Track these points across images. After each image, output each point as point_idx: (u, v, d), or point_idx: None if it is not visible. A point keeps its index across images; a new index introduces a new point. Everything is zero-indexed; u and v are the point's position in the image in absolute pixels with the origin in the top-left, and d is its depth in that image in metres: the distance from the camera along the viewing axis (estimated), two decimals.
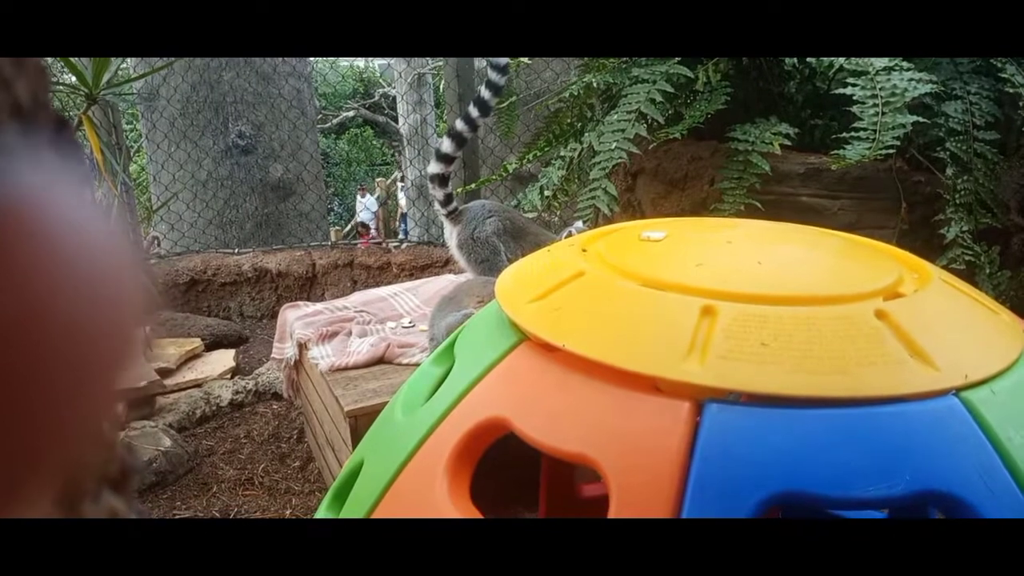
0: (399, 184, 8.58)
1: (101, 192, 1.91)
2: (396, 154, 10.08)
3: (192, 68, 3.57)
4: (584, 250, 0.94)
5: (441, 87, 5.75)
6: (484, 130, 3.25)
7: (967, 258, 1.39)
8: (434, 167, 1.86)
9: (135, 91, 3.56)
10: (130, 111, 3.77)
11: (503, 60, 1.85)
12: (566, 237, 1.64)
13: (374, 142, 10.62)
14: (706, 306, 0.71)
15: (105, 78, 1.85)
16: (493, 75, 1.84)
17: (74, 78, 1.86)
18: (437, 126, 6.84)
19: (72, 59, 1.80)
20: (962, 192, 1.45)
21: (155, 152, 3.70)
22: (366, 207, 8.41)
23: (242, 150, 3.72)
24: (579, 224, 1.75)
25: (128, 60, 3.54)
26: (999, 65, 1.47)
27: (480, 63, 1.92)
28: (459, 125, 1.87)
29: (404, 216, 7.94)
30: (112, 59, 1.96)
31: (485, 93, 1.86)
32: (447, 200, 1.89)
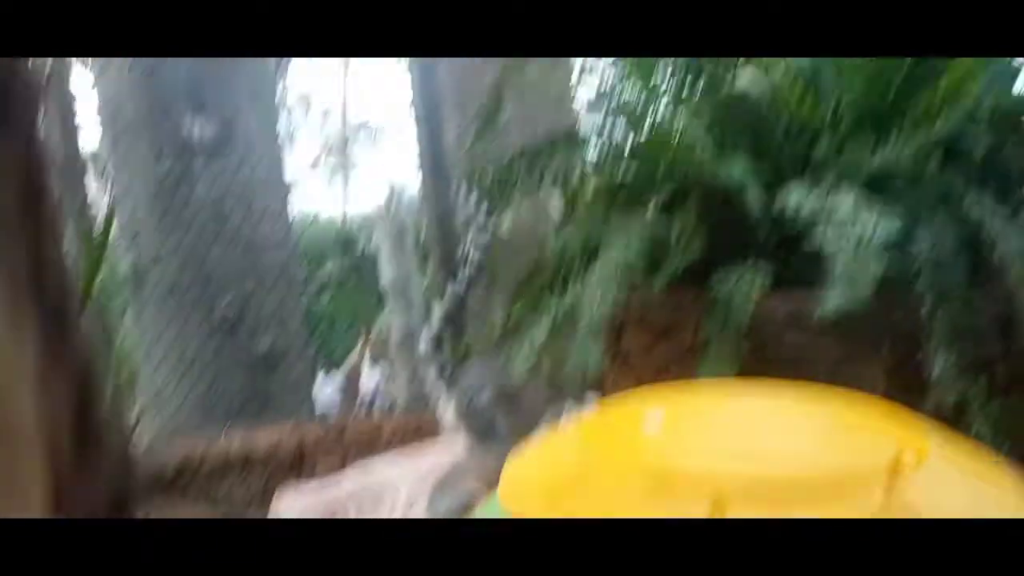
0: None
1: None
2: (380, 304, 10.20)
3: (178, 249, 3.64)
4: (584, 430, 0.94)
5: (422, 236, 5.88)
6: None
7: (956, 394, 1.40)
8: (425, 342, 1.88)
9: (125, 279, 3.61)
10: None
11: (486, 238, 1.92)
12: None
13: (356, 296, 10.76)
14: (714, 496, 0.70)
15: (96, 280, 1.88)
16: (477, 254, 1.90)
17: None
18: (418, 272, 6.95)
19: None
20: (941, 324, 1.47)
21: (143, 337, 3.71)
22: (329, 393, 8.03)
23: (228, 325, 3.74)
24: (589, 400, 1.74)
25: (119, 266, 3.61)
26: (960, 194, 1.53)
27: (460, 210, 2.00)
28: (448, 303, 1.90)
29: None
30: (103, 261, 2.01)
31: (471, 271, 1.91)
32: (442, 371, 1.90)
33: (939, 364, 1.42)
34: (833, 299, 1.37)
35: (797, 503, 0.68)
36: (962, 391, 1.38)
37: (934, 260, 1.49)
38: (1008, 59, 1.51)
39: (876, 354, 1.56)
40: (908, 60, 1.55)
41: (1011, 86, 1.51)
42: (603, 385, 2.31)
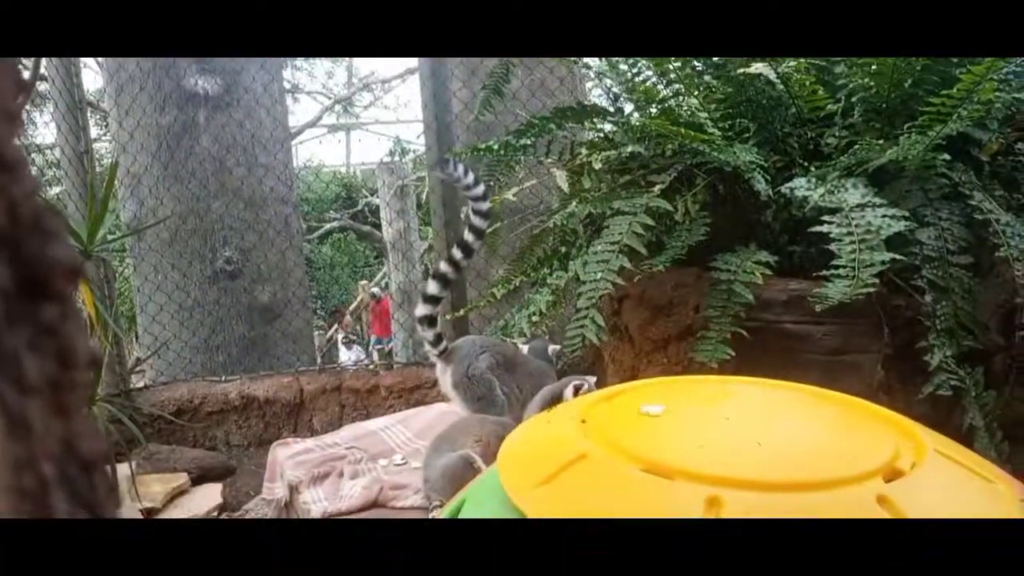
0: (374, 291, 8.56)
1: (93, 342, 1.91)
2: (380, 260, 10.19)
3: (181, 199, 3.63)
4: (583, 420, 0.95)
5: (424, 194, 5.86)
6: None
7: (952, 383, 1.42)
8: (421, 309, 1.89)
9: (127, 225, 3.61)
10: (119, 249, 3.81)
11: (485, 205, 1.91)
12: (574, 393, 1.66)
13: (357, 246, 10.74)
14: (711, 496, 0.72)
15: (100, 234, 1.89)
16: (476, 220, 1.90)
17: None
18: (420, 230, 6.95)
19: (68, 218, 1.84)
20: (942, 317, 1.49)
21: (143, 284, 3.72)
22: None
23: (229, 275, 3.75)
24: (589, 382, 1.75)
25: (122, 214, 3.60)
26: (967, 192, 1.54)
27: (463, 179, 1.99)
28: (443, 267, 1.91)
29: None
30: (107, 214, 2.01)
31: (469, 236, 1.91)
32: (437, 340, 1.91)
33: (937, 355, 1.44)
34: (836, 288, 1.38)
35: (792, 505, 0.70)
36: (959, 381, 1.40)
37: (939, 252, 1.50)
38: (1021, 61, 1.50)
39: (875, 342, 1.58)
40: (920, 59, 1.54)
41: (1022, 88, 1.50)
42: (601, 358, 2.34)
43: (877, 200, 1.44)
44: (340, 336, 8.50)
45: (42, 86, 3.98)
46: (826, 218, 1.45)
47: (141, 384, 3.30)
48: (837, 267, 1.40)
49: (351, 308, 8.77)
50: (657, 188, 1.82)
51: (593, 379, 1.74)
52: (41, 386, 0.28)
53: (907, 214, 1.43)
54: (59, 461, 0.28)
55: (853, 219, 1.41)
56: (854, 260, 1.37)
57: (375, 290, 8.31)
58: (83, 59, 4.09)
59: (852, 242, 1.39)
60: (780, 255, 1.68)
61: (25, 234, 0.28)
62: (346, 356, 7.96)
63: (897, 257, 1.39)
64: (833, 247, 1.42)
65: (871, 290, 1.34)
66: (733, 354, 1.57)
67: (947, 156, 1.49)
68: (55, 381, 0.29)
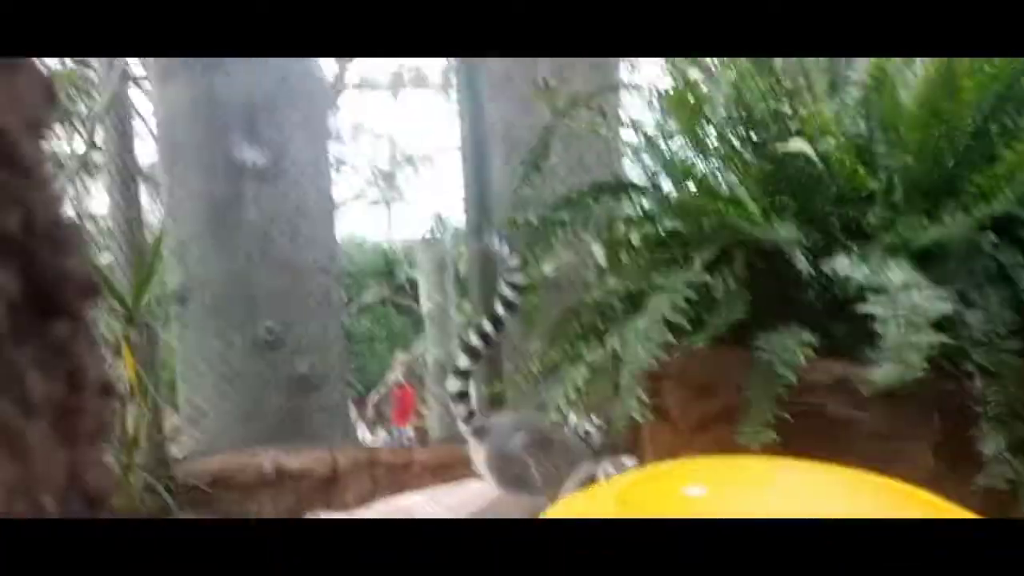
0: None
1: (131, 410, 1.93)
2: (419, 333, 10.23)
3: (227, 268, 3.71)
4: (622, 502, 0.92)
5: (463, 269, 5.91)
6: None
7: (1008, 476, 1.35)
8: (452, 384, 1.88)
9: (173, 292, 3.69)
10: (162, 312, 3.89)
11: (518, 277, 1.92)
12: (608, 474, 1.63)
13: (396, 319, 10.81)
14: None
15: (145, 299, 1.93)
16: (507, 291, 1.90)
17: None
18: (458, 304, 6.98)
19: (113, 282, 1.88)
20: (993, 404, 1.43)
21: (185, 351, 3.77)
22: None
23: (269, 346, 3.78)
24: (627, 464, 1.72)
25: (169, 281, 3.69)
26: (1015, 275, 1.50)
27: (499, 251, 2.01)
28: (474, 340, 1.90)
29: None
30: (152, 280, 2.06)
31: (500, 309, 1.91)
32: (469, 416, 1.89)
33: (991, 445, 1.38)
34: (883, 372, 1.34)
35: None
36: (1015, 475, 1.34)
37: (987, 336, 1.46)
38: None
39: (924, 428, 1.52)
40: (966, 137, 1.53)
41: None
42: (639, 439, 2.29)
43: (922, 280, 1.40)
44: (363, 425, 8.44)
45: (96, 155, 4.14)
46: (870, 298, 1.42)
47: (178, 454, 3.32)
48: (883, 349, 1.36)
49: (375, 400, 8.70)
50: (696, 264, 1.81)
51: (633, 461, 1.71)
52: (45, 408, 0.26)
53: (954, 295, 1.39)
54: (61, 493, 0.26)
55: (898, 300, 1.38)
56: (900, 342, 1.33)
57: (399, 376, 8.27)
58: (137, 130, 4.26)
59: (898, 324, 1.35)
60: (823, 335, 1.64)
61: (39, 244, 0.27)
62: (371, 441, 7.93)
63: (945, 340, 1.34)
64: (878, 328, 1.38)
65: (919, 374, 1.29)
66: (776, 437, 1.52)
67: (993, 236, 1.46)
68: (62, 404, 0.27)
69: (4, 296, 0.26)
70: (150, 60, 3.91)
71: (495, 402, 2.70)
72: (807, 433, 1.55)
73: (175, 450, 3.40)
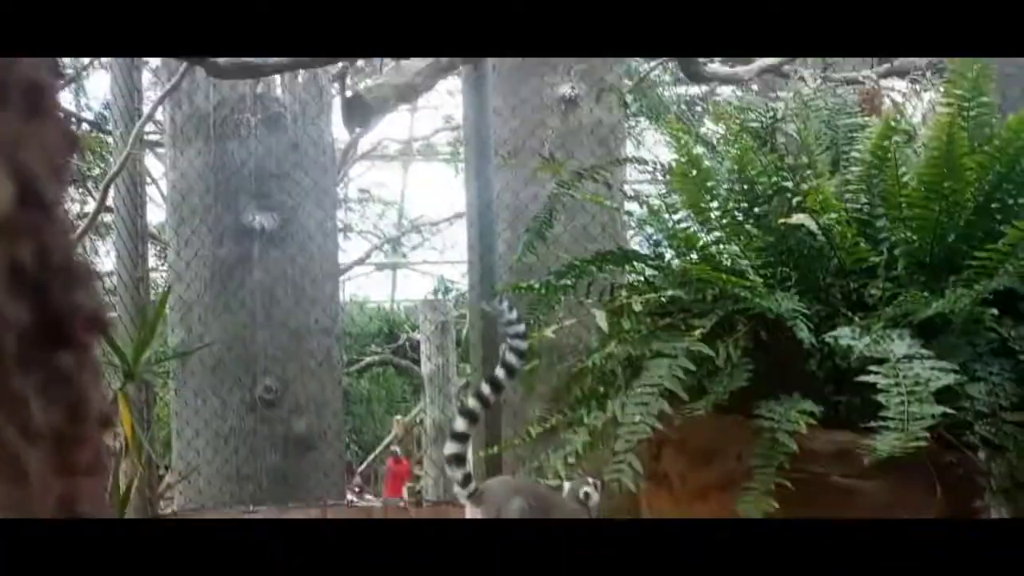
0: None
1: (125, 466, 1.91)
2: (417, 395, 10.17)
3: (229, 328, 3.72)
4: None
5: (464, 332, 5.92)
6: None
7: None
8: (450, 447, 1.87)
9: (173, 350, 3.69)
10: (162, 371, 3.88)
11: (523, 344, 1.93)
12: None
13: (395, 380, 10.75)
14: None
15: (145, 356, 1.94)
16: (511, 357, 1.91)
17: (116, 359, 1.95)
18: (458, 367, 6.96)
19: (115, 339, 1.90)
20: (998, 476, 1.43)
21: (182, 409, 3.76)
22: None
23: (267, 404, 3.77)
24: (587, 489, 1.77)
25: (171, 340, 3.70)
26: (1018, 348, 1.51)
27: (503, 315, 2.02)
28: (472, 403, 1.91)
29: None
30: (154, 339, 2.07)
31: (500, 372, 1.91)
32: (466, 480, 1.88)
33: (996, 515, 1.36)
34: (885, 441, 1.34)
35: None
36: None
37: (991, 408, 1.46)
38: None
39: (927, 499, 1.51)
40: (967, 213, 1.56)
41: None
42: (639, 506, 2.26)
43: (924, 352, 1.41)
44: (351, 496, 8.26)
45: (107, 217, 4.20)
46: (872, 368, 1.42)
47: (168, 510, 3.27)
48: (885, 419, 1.36)
49: (359, 468, 8.54)
50: (698, 332, 1.82)
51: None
52: (46, 435, 0.27)
53: (956, 367, 1.40)
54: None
55: (900, 370, 1.38)
56: (903, 412, 1.34)
57: (395, 449, 8.14)
58: (149, 192, 4.33)
59: (900, 394, 1.35)
60: (825, 405, 1.64)
61: (52, 277, 0.28)
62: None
63: (948, 411, 1.34)
64: (881, 398, 1.38)
65: (921, 444, 1.29)
66: (777, 507, 1.51)
67: (995, 311, 1.48)
68: (62, 433, 0.27)
69: (15, 325, 0.27)
70: (166, 125, 4.01)
71: (493, 467, 2.67)
72: (809, 503, 1.53)
73: (164, 506, 3.35)
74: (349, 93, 1.85)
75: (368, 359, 9.87)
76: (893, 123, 1.82)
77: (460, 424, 1.91)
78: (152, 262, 4.61)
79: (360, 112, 1.14)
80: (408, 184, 11.82)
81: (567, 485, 2.11)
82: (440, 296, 9.77)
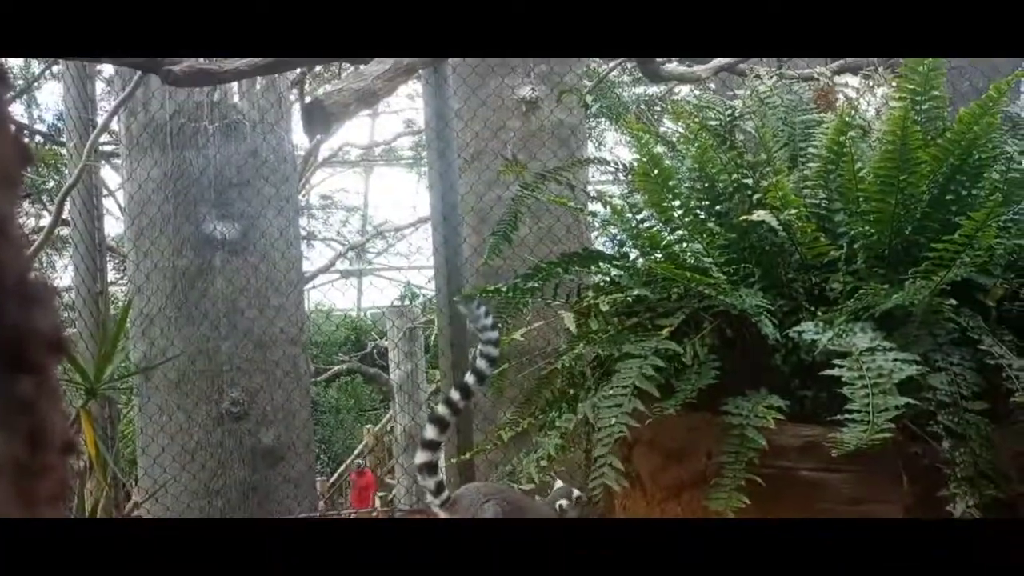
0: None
1: (90, 485, 1.87)
2: (386, 403, 10.10)
3: (192, 340, 3.66)
4: None
5: (433, 337, 5.89)
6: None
7: None
8: (420, 455, 1.86)
9: (135, 365, 3.62)
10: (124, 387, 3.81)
11: (495, 351, 1.92)
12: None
13: (364, 388, 10.67)
14: None
15: (107, 372, 1.90)
16: (481, 363, 1.90)
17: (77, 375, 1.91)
18: (427, 373, 6.93)
19: (76, 355, 1.85)
20: (961, 465, 1.45)
21: (147, 424, 3.69)
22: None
23: (234, 417, 3.71)
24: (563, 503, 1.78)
25: (132, 354, 3.63)
26: (976, 337, 1.53)
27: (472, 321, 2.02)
28: (441, 409, 1.90)
29: None
30: (116, 354, 2.03)
31: (470, 378, 1.91)
32: (439, 488, 1.87)
33: (960, 505, 1.39)
34: (852, 434, 1.35)
35: None
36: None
37: (952, 397, 1.49)
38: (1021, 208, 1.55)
39: (895, 490, 1.53)
40: (923, 206, 1.59)
41: None
42: (612, 505, 2.26)
43: (887, 344, 1.43)
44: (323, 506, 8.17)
45: (64, 230, 4.11)
46: (836, 362, 1.44)
47: None
48: (851, 412, 1.38)
49: (331, 479, 8.44)
50: (665, 331, 1.83)
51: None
52: (6, 467, 0.25)
53: (918, 358, 1.42)
54: None
55: (864, 363, 1.40)
56: (868, 405, 1.35)
57: (359, 461, 8.04)
58: (106, 204, 4.25)
59: (864, 386, 1.37)
60: (792, 399, 1.66)
61: (6, 298, 0.27)
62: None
63: (911, 402, 1.37)
64: (846, 391, 1.40)
65: (887, 436, 1.31)
66: (748, 502, 1.52)
67: (954, 301, 1.50)
68: (23, 465, 0.26)
69: None
70: (122, 135, 3.93)
71: (465, 472, 2.67)
72: (779, 497, 1.55)
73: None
74: (308, 99, 1.82)
75: (336, 368, 9.79)
76: (848, 119, 1.84)
77: (430, 432, 1.90)
78: (111, 275, 4.52)
79: (320, 119, 1.13)
80: (371, 189, 11.76)
81: (558, 483, 2.12)
82: (407, 302, 9.73)
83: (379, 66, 1.16)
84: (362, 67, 1.26)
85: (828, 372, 1.44)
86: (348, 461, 8.78)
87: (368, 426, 9.53)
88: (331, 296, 11.51)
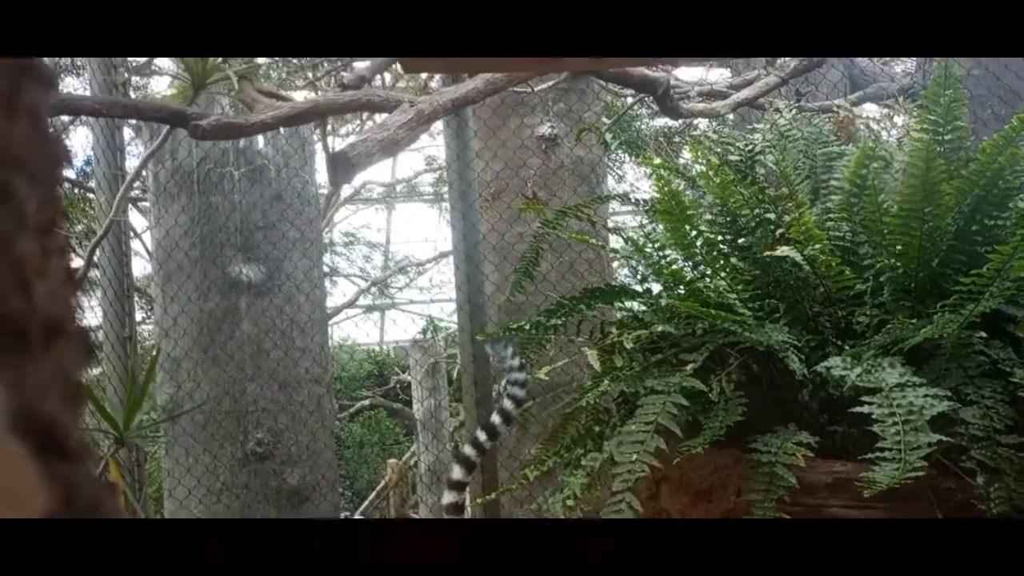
0: None
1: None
2: (410, 437, 10.08)
3: (218, 382, 3.69)
4: None
5: (456, 373, 5.89)
6: None
7: None
8: (447, 497, 1.86)
9: (163, 408, 3.65)
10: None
11: (522, 392, 1.92)
12: None
13: (387, 423, 10.66)
14: None
15: (136, 420, 1.92)
16: (508, 404, 1.90)
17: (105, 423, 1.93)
18: (451, 408, 6.92)
19: (105, 406, 1.88)
20: (996, 500, 1.42)
21: (174, 467, 3.71)
22: None
23: (259, 457, 3.73)
24: None
25: (159, 397, 3.67)
26: (1007, 370, 1.51)
27: (498, 359, 2.02)
28: (468, 450, 1.89)
29: None
30: (144, 401, 2.05)
31: (496, 419, 1.91)
32: None
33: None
34: (883, 472, 1.33)
35: None
36: None
37: (985, 432, 1.46)
38: None
39: None
40: (947, 238, 1.58)
41: None
42: None
43: (916, 379, 1.41)
44: None
45: (93, 273, 4.18)
46: (866, 398, 1.42)
47: None
48: (882, 450, 1.36)
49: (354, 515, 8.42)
50: (690, 367, 1.82)
51: None
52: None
53: (949, 393, 1.40)
54: None
55: (894, 399, 1.38)
56: (899, 443, 1.33)
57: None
58: (134, 246, 4.32)
59: (895, 423, 1.35)
60: (821, 436, 1.64)
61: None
62: None
63: (943, 438, 1.34)
64: (876, 428, 1.38)
65: (920, 474, 1.29)
66: None
67: (983, 333, 1.48)
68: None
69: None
70: (150, 182, 4.01)
71: (491, 511, 2.65)
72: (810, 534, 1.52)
73: None
74: (332, 147, 1.86)
75: (359, 404, 9.80)
76: (870, 150, 1.84)
77: (457, 472, 1.89)
78: (138, 315, 4.58)
79: (344, 169, 1.15)
80: (392, 225, 11.83)
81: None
82: (429, 336, 9.75)
83: (401, 116, 1.18)
84: (385, 117, 1.29)
85: (858, 409, 1.43)
86: (371, 497, 8.76)
87: (392, 460, 9.50)
88: (354, 332, 11.55)
